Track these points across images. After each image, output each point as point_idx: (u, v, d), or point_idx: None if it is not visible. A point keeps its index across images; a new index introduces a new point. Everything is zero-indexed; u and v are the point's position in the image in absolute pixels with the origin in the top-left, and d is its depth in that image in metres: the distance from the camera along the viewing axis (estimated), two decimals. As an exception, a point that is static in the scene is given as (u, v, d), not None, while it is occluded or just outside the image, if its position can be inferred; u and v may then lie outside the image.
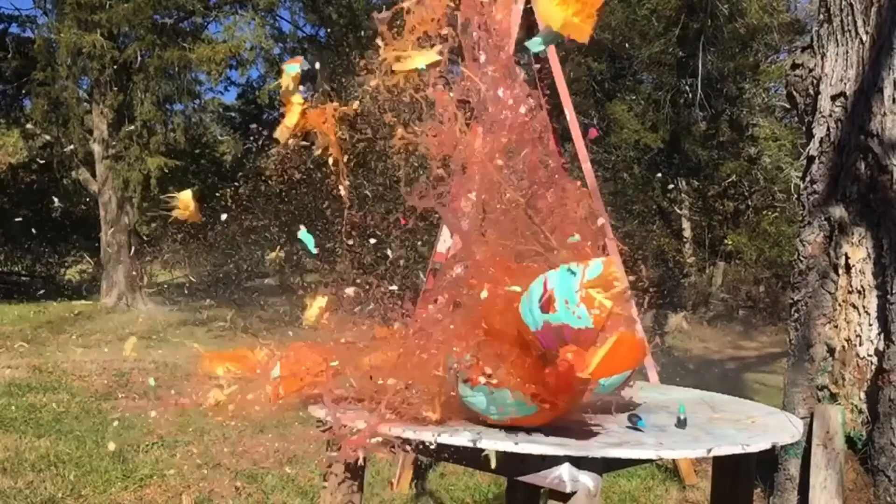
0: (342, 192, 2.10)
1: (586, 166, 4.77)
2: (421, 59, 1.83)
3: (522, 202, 1.82)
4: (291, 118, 1.98)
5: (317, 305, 2.06)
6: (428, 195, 1.85)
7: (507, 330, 1.62)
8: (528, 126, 1.86)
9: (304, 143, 2.07)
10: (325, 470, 1.93)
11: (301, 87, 2.02)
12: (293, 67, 2.01)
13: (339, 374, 1.87)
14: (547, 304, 1.52)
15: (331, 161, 2.04)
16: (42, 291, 15.20)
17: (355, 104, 2.06)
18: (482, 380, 1.61)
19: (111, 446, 4.88)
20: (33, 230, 15.59)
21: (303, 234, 2.12)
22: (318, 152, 2.05)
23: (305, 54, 15.24)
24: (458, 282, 1.81)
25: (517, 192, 1.82)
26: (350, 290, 2.01)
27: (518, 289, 1.64)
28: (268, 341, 1.97)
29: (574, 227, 1.80)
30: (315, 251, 2.16)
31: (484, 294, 1.69)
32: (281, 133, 2.01)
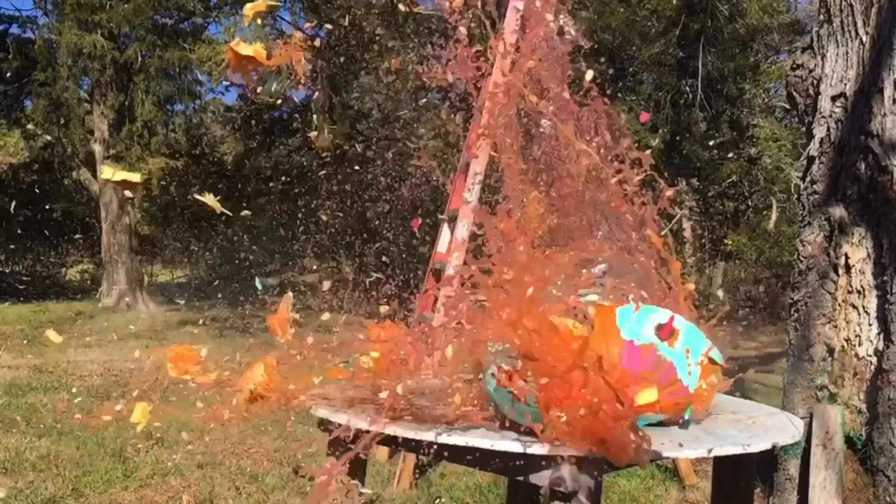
0: (316, 119, 2.06)
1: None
2: None
3: (594, 155, 1.61)
4: (246, 48, 1.96)
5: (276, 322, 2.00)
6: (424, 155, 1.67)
7: (548, 359, 1.45)
8: (555, 43, 1.61)
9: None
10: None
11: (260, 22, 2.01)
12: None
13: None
14: (666, 335, 1.52)
15: (299, 85, 2.02)
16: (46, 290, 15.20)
17: (328, 25, 2.02)
18: (514, 391, 1.53)
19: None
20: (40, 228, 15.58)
21: (256, 282, 2.14)
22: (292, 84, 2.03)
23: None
24: (482, 279, 1.57)
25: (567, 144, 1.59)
26: (326, 284, 1.99)
27: (595, 297, 1.58)
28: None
29: (626, 205, 1.67)
30: (261, 290, 2.17)
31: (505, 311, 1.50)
32: (229, 49, 1.98)
